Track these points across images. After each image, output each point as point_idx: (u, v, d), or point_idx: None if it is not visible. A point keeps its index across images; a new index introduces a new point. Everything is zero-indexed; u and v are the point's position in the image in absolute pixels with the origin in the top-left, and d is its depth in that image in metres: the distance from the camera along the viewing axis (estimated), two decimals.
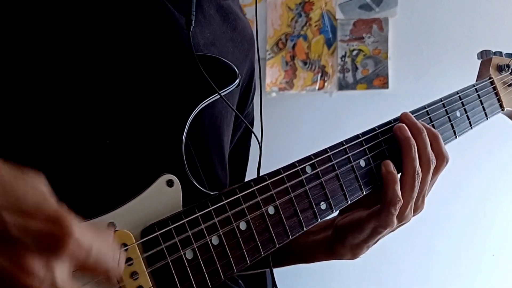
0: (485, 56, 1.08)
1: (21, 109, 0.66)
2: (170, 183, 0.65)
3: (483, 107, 1.01)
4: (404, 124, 0.85)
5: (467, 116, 0.97)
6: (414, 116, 0.89)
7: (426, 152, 0.84)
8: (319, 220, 0.77)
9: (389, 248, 2.74)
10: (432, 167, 0.85)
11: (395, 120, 0.87)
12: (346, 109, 2.73)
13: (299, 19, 2.82)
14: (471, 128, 0.98)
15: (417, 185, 0.83)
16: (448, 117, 0.94)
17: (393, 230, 0.86)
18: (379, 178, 0.83)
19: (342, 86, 2.75)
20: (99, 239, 0.50)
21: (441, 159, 0.87)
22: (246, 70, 0.93)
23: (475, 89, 1.00)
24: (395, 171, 0.83)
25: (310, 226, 0.75)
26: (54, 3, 0.68)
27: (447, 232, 2.61)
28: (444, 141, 0.91)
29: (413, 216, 0.87)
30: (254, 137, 0.82)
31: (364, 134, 0.84)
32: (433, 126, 0.92)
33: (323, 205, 0.77)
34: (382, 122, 0.87)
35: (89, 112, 0.68)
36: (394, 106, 2.66)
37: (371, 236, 0.86)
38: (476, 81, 1.06)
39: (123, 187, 0.64)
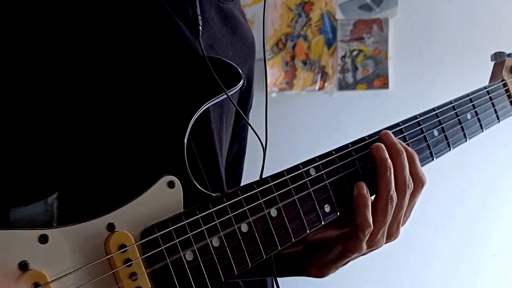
0: (499, 58, 1.06)
1: (21, 109, 0.66)
2: (171, 184, 0.65)
3: (495, 109, 1.00)
4: (382, 144, 0.79)
5: (478, 118, 0.96)
6: (424, 119, 0.87)
7: (403, 176, 0.78)
8: (323, 222, 0.76)
9: (390, 248, 2.73)
10: (409, 192, 0.79)
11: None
12: (346, 110, 2.73)
13: (299, 19, 2.81)
14: (482, 131, 0.96)
15: (391, 210, 0.77)
16: (458, 119, 0.93)
17: (363, 255, 0.81)
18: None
19: (342, 86, 2.75)
20: None
21: (418, 183, 0.81)
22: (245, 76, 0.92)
23: (487, 91, 1.00)
24: (367, 194, 0.77)
25: (314, 229, 0.75)
26: (61, 8, 0.67)
27: (447, 232, 2.61)
28: (454, 144, 0.90)
29: (386, 243, 0.82)
30: (256, 139, 0.81)
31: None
32: (442, 129, 0.90)
33: (327, 208, 0.76)
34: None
35: (89, 113, 0.67)
36: (394, 106, 2.67)
37: (339, 259, 0.81)
38: (489, 83, 1.05)
39: (124, 188, 0.64)
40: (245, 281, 0.96)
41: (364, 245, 0.78)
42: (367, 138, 0.82)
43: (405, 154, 0.79)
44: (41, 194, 0.61)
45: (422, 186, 0.81)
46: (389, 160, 0.78)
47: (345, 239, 0.78)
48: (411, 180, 0.79)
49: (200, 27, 0.74)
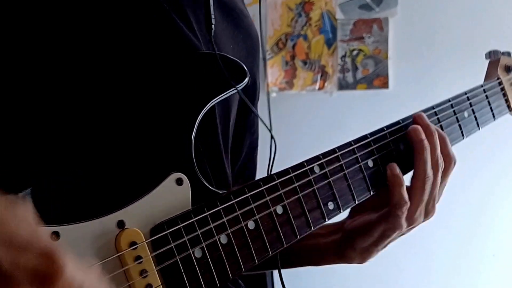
0: (493, 57, 1.07)
1: (30, 108, 0.66)
2: (179, 182, 0.65)
3: (491, 107, 1.01)
4: (419, 126, 0.85)
5: (475, 116, 0.98)
6: None
7: (436, 155, 0.84)
8: (326, 220, 0.76)
9: (390, 248, 2.74)
10: (441, 170, 0.85)
11: (404, 120, 0.87)
12: (346, 109, 2.74)
13: (299, 19, 2.82)
14: (479, 129, 0.98)
15: (428, 187, 0.83)
16: (456, 117, 0.94)
17: (402, 234, 0.86)
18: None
19: (342, 86, 2.76)
20: (90, 276, 0.49)
21: (449, 161, 0.87)
22: (248, 68, 0.92)
23: (483, 89, 1.00)
24: (400, 174, 0.83)
25: (318, 226, 0.76)
26: (61, 8, 0.68)
27: (447, 232, 2.61)
28: (452, 142, 0.91)
29: (424, 220, 0.87)
30: (262, 137, 0.82)
31: (372, 134, 0.84)
32: (441, 127, 0.91)
33: (331, 205, 0.77)
34: (391, 122, 0.87)
35: (98, 110, 0.68)
36: (394, 106, 2.67)
37: (380, 240, 0.85)
38: (484, 81, 1.06)
39: (132, 185, 0.64)
40: (244, 276, 0.96)
41: (404, 222, 0.83)
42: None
43: (436, 135, 0.85)
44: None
45: (454, 164, 0.87)
46: (426, 141, 0.83)
47: (385, 219, 0.83)
48: (442, 159, 0.85)
49: (213, 26, 0.75)
